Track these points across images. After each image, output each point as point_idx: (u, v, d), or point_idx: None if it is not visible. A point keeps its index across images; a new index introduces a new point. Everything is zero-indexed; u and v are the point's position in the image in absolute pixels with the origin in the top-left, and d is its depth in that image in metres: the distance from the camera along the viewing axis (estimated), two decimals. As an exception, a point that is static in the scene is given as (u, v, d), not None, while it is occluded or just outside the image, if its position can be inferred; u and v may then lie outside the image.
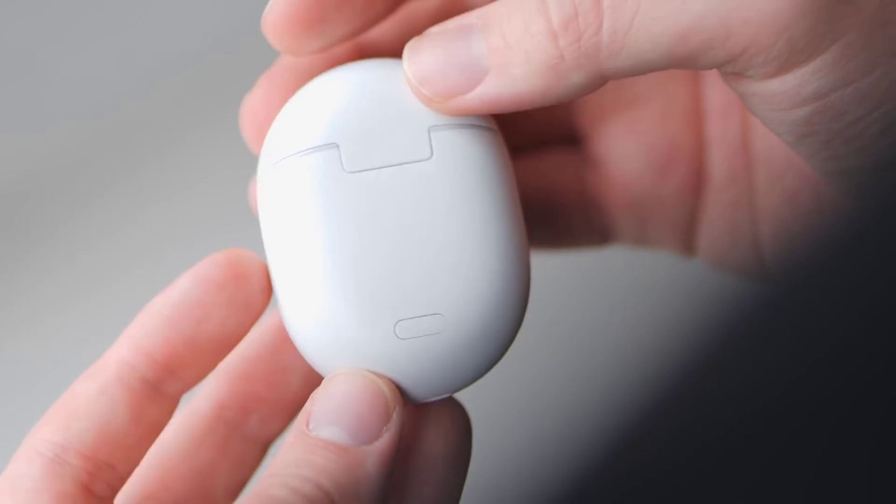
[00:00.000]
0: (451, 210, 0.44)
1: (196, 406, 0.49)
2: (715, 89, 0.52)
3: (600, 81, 0.43)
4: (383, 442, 0.43)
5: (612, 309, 0.80)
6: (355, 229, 0.44)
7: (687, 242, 0.54)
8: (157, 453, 0.48)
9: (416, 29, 0.47)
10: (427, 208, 0.44)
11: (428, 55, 0.44)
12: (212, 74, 0.94)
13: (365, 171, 0.44)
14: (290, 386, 0.49)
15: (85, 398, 0.45)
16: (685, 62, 0.42)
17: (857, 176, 0.44)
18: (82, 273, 0.84)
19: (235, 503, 0.42)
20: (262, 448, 0.50)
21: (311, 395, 0.44)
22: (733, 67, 0.42)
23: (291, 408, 0.50)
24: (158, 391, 0.46)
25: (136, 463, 0.46)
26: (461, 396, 0.47)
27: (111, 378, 0.45)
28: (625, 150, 0.52)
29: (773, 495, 0.31)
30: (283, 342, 0.49)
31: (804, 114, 0.42)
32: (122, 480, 0.45)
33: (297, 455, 0.42)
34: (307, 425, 0.43)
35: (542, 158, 0.53)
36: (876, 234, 0.32)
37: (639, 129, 0.52)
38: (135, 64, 0.94)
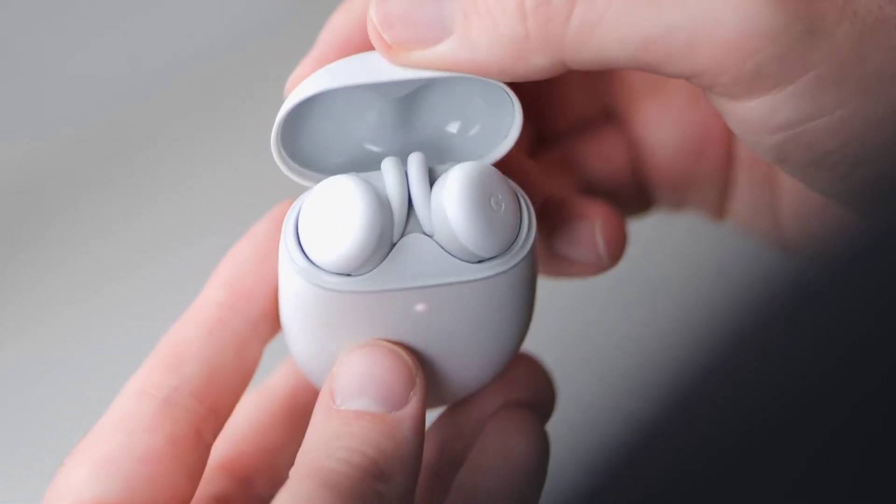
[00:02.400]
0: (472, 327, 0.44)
1: (271, 387, 0.50)
2: None
3: (560, 69, 0.43)
4: (413, 407, 0.43)
5: (625, 308, 0.80)
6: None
7: (718, 212, 0.54)
8: (231, 427, 0.48)
9: None
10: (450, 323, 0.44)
11: (397, 1, 0.43)
12: (213, 76, 0.94)
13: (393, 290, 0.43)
14: None
15: (194, 341, 0.45)
16: (648, 67, 0.42)
17: (839, 199, 0.44)
18: (82, 273, 0.84)
19: (288, 481, 0.41)
20: None
21: (331, 374, 0.44)
22: (699, 82, 0.42)
23: None
24: (255, 333, 0.46)
25: (232, 409, 0.46)
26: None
27: (215, 321, 0.45)
28: (661, 135, 0.53)
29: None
30: None
31: (776, 141, 0.42)
32: (220, 428, 0.45)
33: (334, 428, 0.42)
34: (333, 401, 0.43)
35: (587, 141, 0.54)
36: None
37: (672, 113, 0.53)
38: (136, 65, 0.94)
